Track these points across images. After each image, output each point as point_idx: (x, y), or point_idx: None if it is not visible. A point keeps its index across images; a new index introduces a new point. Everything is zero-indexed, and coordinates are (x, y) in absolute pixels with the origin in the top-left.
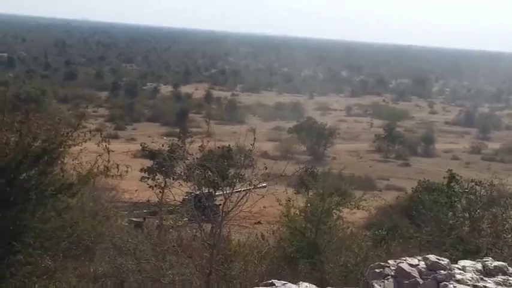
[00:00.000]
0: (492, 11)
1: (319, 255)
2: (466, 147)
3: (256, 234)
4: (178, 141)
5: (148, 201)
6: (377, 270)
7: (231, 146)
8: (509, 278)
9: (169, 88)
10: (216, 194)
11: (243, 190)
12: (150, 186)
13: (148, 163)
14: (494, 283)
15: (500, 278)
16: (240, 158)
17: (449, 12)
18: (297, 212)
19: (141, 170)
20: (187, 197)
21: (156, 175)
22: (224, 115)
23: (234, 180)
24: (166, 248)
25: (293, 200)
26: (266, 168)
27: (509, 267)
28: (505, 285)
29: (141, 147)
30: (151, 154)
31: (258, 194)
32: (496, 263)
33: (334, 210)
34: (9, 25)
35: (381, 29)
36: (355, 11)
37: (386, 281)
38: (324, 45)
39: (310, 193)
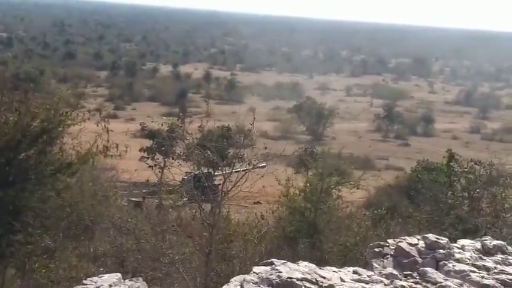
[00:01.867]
0: None
1: (318, 235)
2: (466, 127)
3: (256, 214)
4: (177, 121)
5: (147, 181)
6: (376, 249)
7: (230, 126)
8: (508, 257)
9: (169, 68)
10: (216, 173)
11: (243, 170)
12: (149, 166)
13: (147, 143)
14: (493, 262)
15: (499, 257)
16: (239, 137)
17: None
18: (297, 191)
19: (141, 150)
20: (186, 177)
21: (156, 155)
22: (223, 95)
23: (234, 160)
24: (166, 228)
25: (292, 180)
26: (265, 148)
27: (508, 247)
28: (504, 264)
29: (140, 127)
30: (150, 134)
31: (257, 174)
32: (495, 242)
33: (333, 190)
34: (8, 5)
35: (381, 8)
36: None
37: (385, 260)
38: (324, 25)
39: (310, 173)
